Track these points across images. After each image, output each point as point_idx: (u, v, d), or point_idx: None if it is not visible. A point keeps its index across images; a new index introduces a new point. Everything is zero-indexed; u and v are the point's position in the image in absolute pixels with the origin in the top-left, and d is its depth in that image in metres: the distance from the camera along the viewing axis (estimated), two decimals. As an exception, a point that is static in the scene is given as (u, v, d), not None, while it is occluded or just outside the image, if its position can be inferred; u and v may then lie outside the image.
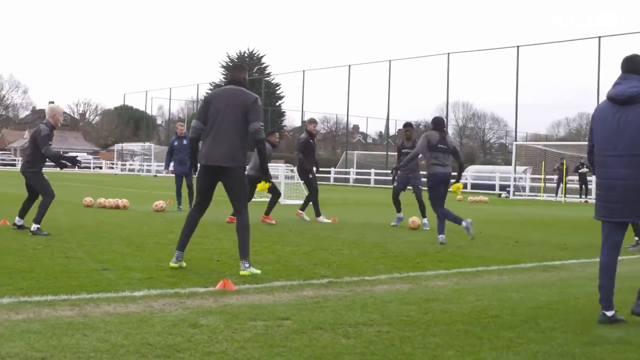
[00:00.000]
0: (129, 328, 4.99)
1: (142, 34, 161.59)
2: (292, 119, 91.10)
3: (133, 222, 13.58)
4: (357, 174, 53.26)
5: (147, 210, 16.90)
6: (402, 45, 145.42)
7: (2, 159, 77.82)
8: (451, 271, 8.42)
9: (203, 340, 4.73)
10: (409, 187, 14.85)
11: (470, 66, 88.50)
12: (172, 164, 17.88)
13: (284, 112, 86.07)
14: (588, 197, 34.51)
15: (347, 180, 53.09)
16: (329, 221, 15.15)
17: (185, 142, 16.77)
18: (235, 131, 7.71)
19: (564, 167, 33.48)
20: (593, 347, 4.89)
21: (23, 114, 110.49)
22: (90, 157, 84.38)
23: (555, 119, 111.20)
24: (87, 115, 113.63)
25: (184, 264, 7.90)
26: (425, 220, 14.20)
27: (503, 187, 39.93)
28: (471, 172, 48.36)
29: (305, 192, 15.97)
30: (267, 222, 14.00)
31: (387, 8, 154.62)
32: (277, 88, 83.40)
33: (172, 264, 7.84)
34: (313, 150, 15.57)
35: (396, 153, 15.82)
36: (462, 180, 48.48)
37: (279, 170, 24.86)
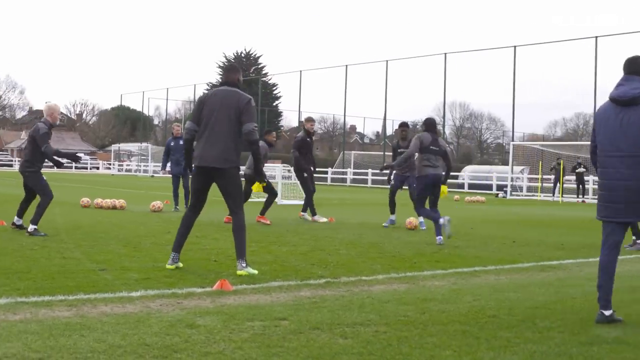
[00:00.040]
0: (126, 328, 4.98)
1: (139, 35, 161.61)
2: (289, 119, 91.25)
3: (130, 222, 13.57)
4: (355, 174, 53.26)
5: (144, 210, 16.89)
6: (399, 45, 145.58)
7: (-1, 160, 77.77)
8: (448, 271, 8.43)
9: (200, 341, 4.73)
10: (404, 187, 14.88)
11: (468, 66, 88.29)
12: (168, 164, 17.89)
13: (281, 112, 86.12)
14: (585, 197, 34.57)
15: (344, 180, 53.10)
16: (326, 220, 15.14)
17: (181, 142, 16.77)
18: (228, 132, 7.71)
19: (561, 167, 33.50)
20: (590, 347, 4.90)
21: (20, 114, 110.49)
22: (88, 157, 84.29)
23: (552, 119, 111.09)
24: (84, 115, 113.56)
25: (181, 265, 7.90)
26: (421, 219, 14.21)
27: (500, 187, 39.95)
28: (468, 172, 48.40)
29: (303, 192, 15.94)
30: (262, 222, 13.97)
31: (384, 8, 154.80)
32: (274, 88, 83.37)
33: (168, 266, 7.83)
34: (310, 149, 15.56)
35: (391, 153, 15.85)
36: (459, 181, 48.28)
37: (276, 170, 24.86)
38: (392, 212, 14.71)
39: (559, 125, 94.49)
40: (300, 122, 56.42)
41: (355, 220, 15.87)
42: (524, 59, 78.64)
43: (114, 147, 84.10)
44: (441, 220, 11.19)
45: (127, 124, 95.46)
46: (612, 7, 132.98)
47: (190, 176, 8.52)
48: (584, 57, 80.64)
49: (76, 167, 74.45)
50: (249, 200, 14.62)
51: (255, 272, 7.61)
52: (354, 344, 4.80)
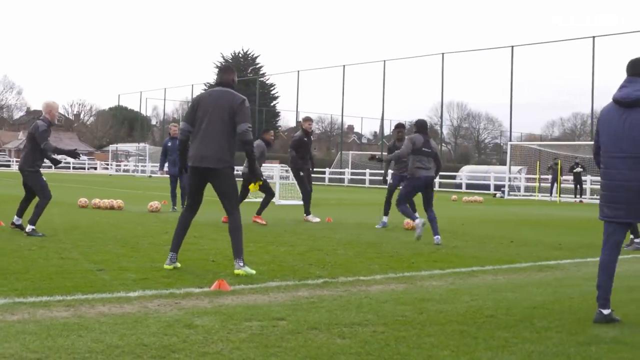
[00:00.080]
0: (124, 329, 4.98)
1: (137, 35, 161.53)
2: (286, 119, 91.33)
3: (128, 222, 13.56)
4: (352, 174, 53.29)
5: (142, 210, 16.88)
6: (396, 46, 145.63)
7: (-4, 160, 77.72)
8: (446, 271, 8.43)
9: (198, 341, 4.73)
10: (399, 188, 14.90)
11: (465, 66, 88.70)
12: (166, 164, 17.89)
13: (279, 112, 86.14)
14: (583, 197, 34.59)
15: (342, 180, 53.12)
16: (318, 220, 15.13)
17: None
18: (222, 132, 7.72)
19: (559, 166, 33.52)
20: (588, 347, 4.91)
21: (17, 114, 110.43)
22: (85, 157, 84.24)
23: (549, 119, 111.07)
24: (81, 116, 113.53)
25: (179, 265, 7.90)
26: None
27: (498, 187, 39.99)
28: (466, 172, 48.42)
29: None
30: (258, 222, 13.89)
31: (382, 8, 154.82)
32: (272, 88, 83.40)
33: (166, 266, 7.83)
34: (308, 148, 15.54)
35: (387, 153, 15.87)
36: (457, 181, 48.28)
37: (274, 170, 24.85)
38: (386, 213, 14.65)
39: (557, 125, 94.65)
40: (298, 122, 56.49)
41: (353, 221, 15.87)
42: (522, 59, 78.41)
43: (112, 147, 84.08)
44: (417, 221, 11.31)
45: (125, 124, 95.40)
46: (612, 7, 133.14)
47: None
48: (581, 57, 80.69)
49: (74, 167, 74.44)
50: (245, 200, 14.58)
51: (253, 272, 7.61)
52: (352, 344, 4.80)
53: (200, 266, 8.14)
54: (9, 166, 74.08)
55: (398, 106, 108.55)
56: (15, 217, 11.32)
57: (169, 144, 17.66)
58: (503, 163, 51.29)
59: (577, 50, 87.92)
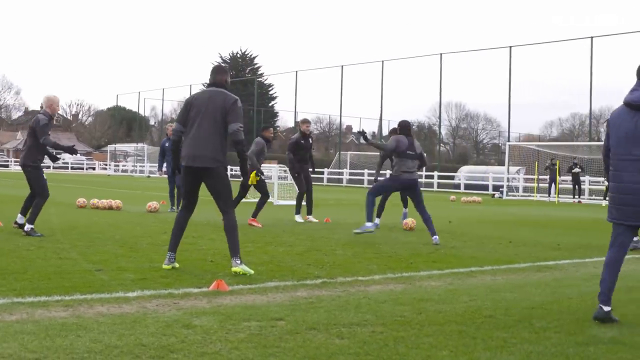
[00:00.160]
0: (122, 329, 4.98)
1: (135, 35, 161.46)
2: (285, 120, 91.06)
3: (126, 222, 13.56)
4: (351, 174, 53.30)
5: (141, 211, 16.88)
6: (394, 46, 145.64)
7: (-5, 160, 77.68)
8: (445, 271, 8.43)
9: (197, 341, 4.73)
10: None
11: (463, 66, 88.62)
12: (164, 165, 17.89)
13: (277, 112, 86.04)
14: (581, 197, 34.61)
15: (340, 180, 53.12)
16: (302, 221, 15.09)
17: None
18: (215, 132, 7.74)
19: (557, 167, 33.54)
20: (587, 347, 4.91)
21: (16, 115, 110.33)
22: (84, 157, 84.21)
23: (548, 119, 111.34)
24: (79, 116, 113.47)
25: (177, 265, 7.90)
26: (405, 211, 15.12)
27: (496, 188, 39.99)
28: (464, 173, 48.46)
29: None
30: (254, 225, 13.70)
31: (380, 8, 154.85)
32: (270, 89, 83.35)
33: (164, 266, 7.83)
34: (306, 150, 15.49)
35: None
36: (456, 181, 48.27)
37: (272, 170, 24.82)
38: (379, 214, 14.61)
39: (555, 126, 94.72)
40: (296, 122, 56.49)
41: (351, 221, 15.85)
42: (520, 60, 78.59)
43: (110, 147, 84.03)
44: (368, 225, 11.70)
45: (123, 124, 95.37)
46: (611, 7, 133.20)
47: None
48: (580, 57, 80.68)
49: (72, 168, 74.40)
50: (243, 200, 14.55)
51: (251, 271, 7.61)
52: (351, 344, 4.80)
53: (198, 266, 8.14)
54: (7, 166, 74.00)
55: (396, 106, 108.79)
56: (19, 215, 11.21)
57: (167, 145, 17.64)
58: (501, 163, 51.30)
59: (575, 50, 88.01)
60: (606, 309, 5.78)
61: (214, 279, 6.93)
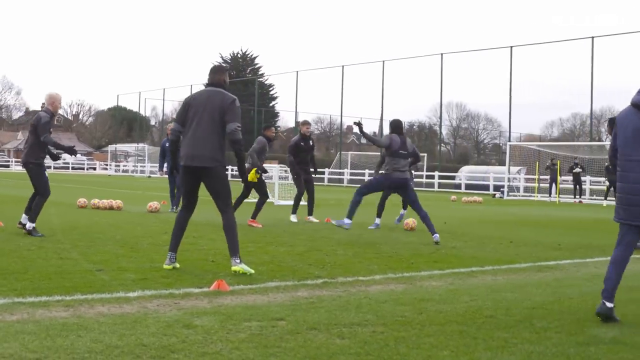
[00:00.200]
0: (123, 329, 4.98)
1: (136, 35, 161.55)
2: (285, 120, 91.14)
3: (127, 223, 13.56)
4: (351, 174, 53.29)
5: (141, 211, 16.88)
6: (395, 46, 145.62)
7: (-5, 160, 77.67)
8: (445, 271, 8.43)
9: (197, 341, 4.73)
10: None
11: (464, 66, 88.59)
12: (165, 165, 17.89)
13: (278, 112, 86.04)
14: (582, 197, 34.59)
15: (341, 180, 53.11)
16: (296, 221, 15.08)
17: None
18: (213, 132, 7.75)
19: (558, 167, 33.53)
20: (587, 347, 4.91)
21: (16, 115, 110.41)
22: (84, 158, 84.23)
23: (549, 119, 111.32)
24: (80, 116, 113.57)
25: (178, 265, 7.90)
26: (402, 212, 15.05)
27: (497, 188, 39.98)
28: (465, 173, 48.45)
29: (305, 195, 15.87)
30: (254, 226, 13.67)
31: (381, 8, 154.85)
32: (271, 89, 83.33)
33: (165, 266, 7.83)
34: (306, 151, 15.45)
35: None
36: (456, 181, 48.21)
37: (273, 170, 24.80)
38: (379, 215, 14.64)
39: (556, 126, 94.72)
40: (297, 122, 56.47)
41: (352, 221, 15.84)
42: (521, 60, 78.42)
43: (111, 147, 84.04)
44: (347, 221, 11.87)
45: (124, 124, 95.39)
46: (611, 7, 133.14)
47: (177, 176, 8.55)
48: (580, 57, 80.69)
49: (73, 168, 74.42)
50: (246, 200, 14.53)
51: (252, 271, 7.61)
52: (352, 344, 4.80)
53: (199, 266, 8.14)
54: (8, 166, 74.02)
55: (397, 106, 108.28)
56: (23, 215, 11.09)
57: (167, 145, 17.64)
58: (502, 163, 51.31)
59: (576, 50, 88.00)
60: (609, 305, 5.79)
61: (215, 279, 6.92)
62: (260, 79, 79.48)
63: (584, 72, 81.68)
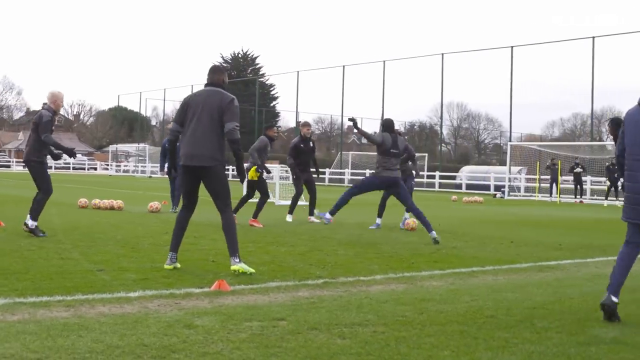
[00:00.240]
0: (124, 329, 4.98)
1: (136, 35, 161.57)
2: (286, 120, 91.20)
3: (128, 223, 13.56)
4: (352, 174, 53.28)
5: (142, 211, 16.88)
6: (396, 46, 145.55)
7: (-4, 161, 77.66)
8: (446, 271, 8.43)
9: (198, 341, 4.73)
10: None
11: (465, 66, 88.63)
12: (166, 165, 17.90)
13: (278, 112, 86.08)
14: (583, 197, 34.58)
15: (342, 180, 53.10)
16: (291, 220, 15.06)
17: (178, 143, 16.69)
18: (212, 131, 7.76)
19: (559, 167, 33.52)
20: (588, 347, 4.91)
21: (17, 115, 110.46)
22: (85, 158, 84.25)
23: (550, 119, 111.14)
24: (81, 116, 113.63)
25: (179, 265, 7.91)
26: (407, 215, 14.75)
27: (498, 188, 39.99)
28: (466, 173, 48.45)
29: (307, 195, 15.88)
30: (255, 226, 13.64)
31: (381, 8, 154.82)
32: (272, 89, 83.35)
33: (166, 266, 7.84)
34: (307, 153, 15.43)
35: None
36: (457, 181, 48.14)
37: (274, 171, 24.79)
38: (380, 215, 14.64)
39: (557, 126, 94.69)
40: (297, 122, 56.49)
41: (353, 221, 15.87)
42: (522, 60, 78.57)
43: (112, 147, 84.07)
44: (327, 216, 12.02)
45: (125, 124, 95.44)
46: (612, 7, 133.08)
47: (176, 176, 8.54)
48: (581, 57, 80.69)
49: (74, 168, 74.43)
50: (250, 200, 14.54)
51: (252, 269, 7.61)
52: (352, 344, 4.80)
53: (200, 266, 8.14)
54: (9, 167, 74.02)
55: (398, 106, 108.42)
56: (28, 216, 11.05)
57: (167, 145, 17.65)
58: (503, 163, 51.31)
59: (577, 50, 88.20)
60: (615, 299, 5.80)
61: (216, 279, 6.93)
62: (261, 79, 79.51)
63: (584, 72, 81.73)
